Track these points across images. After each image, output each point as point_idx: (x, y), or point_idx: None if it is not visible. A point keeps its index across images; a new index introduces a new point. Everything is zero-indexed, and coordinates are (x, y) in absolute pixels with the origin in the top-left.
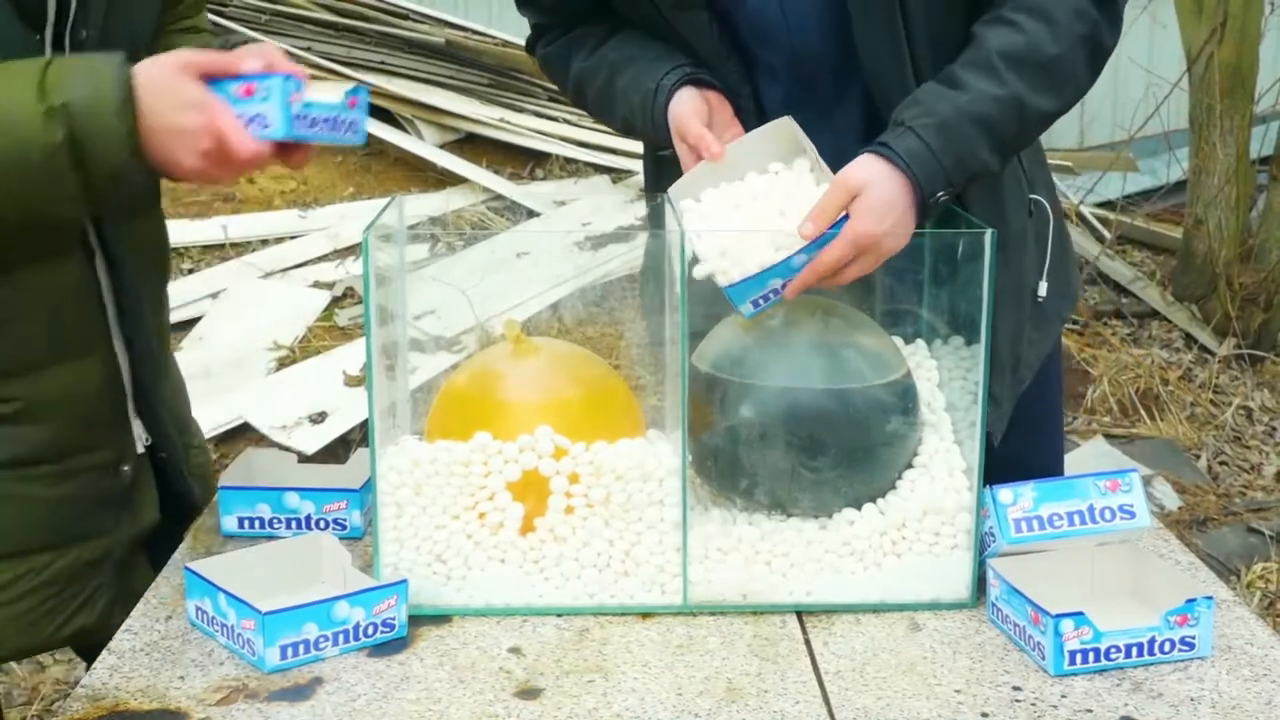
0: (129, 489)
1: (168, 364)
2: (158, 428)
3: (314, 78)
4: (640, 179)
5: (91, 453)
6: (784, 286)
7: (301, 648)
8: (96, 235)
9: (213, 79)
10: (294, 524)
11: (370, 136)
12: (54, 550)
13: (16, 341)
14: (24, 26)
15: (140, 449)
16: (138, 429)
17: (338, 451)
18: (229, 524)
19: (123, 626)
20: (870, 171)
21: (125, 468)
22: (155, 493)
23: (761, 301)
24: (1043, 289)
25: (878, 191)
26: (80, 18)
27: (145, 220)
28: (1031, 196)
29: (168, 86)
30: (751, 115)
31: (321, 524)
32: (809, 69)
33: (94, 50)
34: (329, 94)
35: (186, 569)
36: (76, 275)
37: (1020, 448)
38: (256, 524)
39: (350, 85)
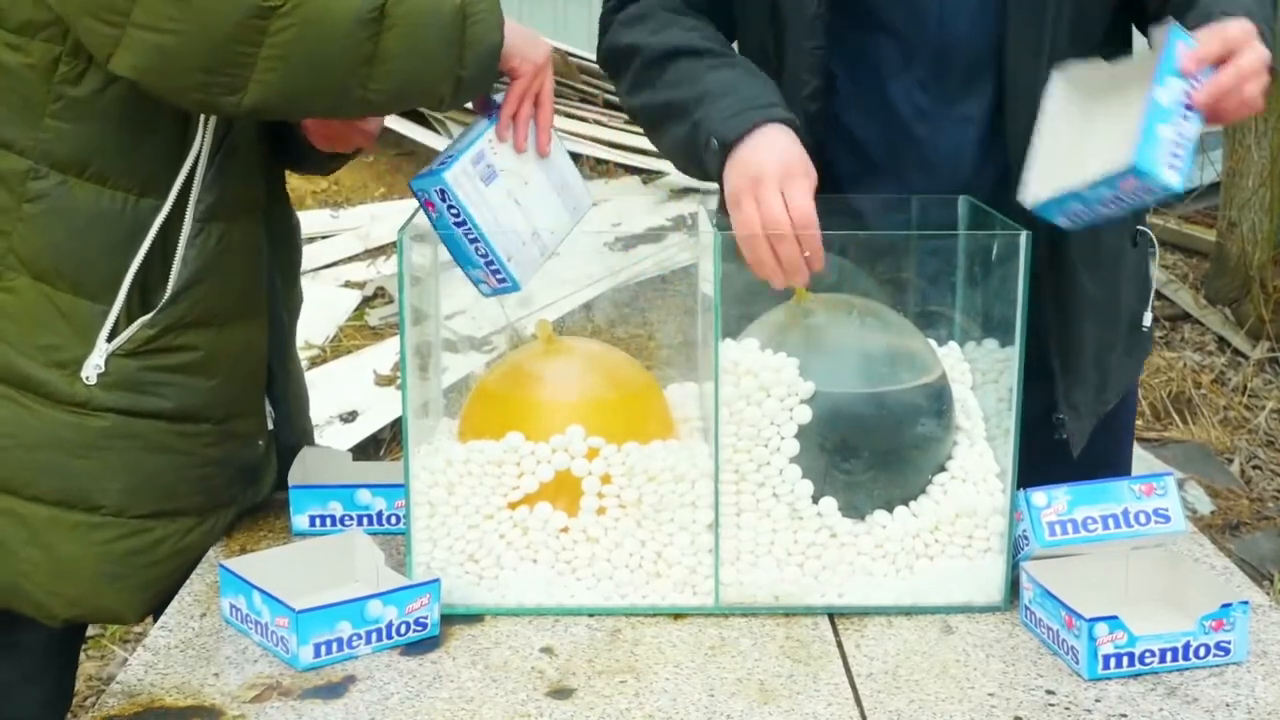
0: (260, 463)
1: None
2: (282, 406)
3: None
4: (671, 180)
5: (244, 419)
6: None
7: (335, 646)
8: (263, 211)
9: None
10: (366, 520)
11: (402, 137)
12: (198, 516)
13: (214, 290)
14: None
15: (270, 425)
16: (267, 405)
17: (368, 450)
18: (300, 522)
19: (158, 624)
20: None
21: (261, 441)
22: (275, 472)
23: (1174, 160)
24: (1147, 319)
25: (1244, 25)
26: None
27: (279, 198)
28: (1139, 227)
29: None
30: (868, 105)
31: (393, 519)
32: (947, 56)
33: None
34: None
35: (221, 566)
36: (258, 233)
37: (1091, 468)
38: (329, 521)
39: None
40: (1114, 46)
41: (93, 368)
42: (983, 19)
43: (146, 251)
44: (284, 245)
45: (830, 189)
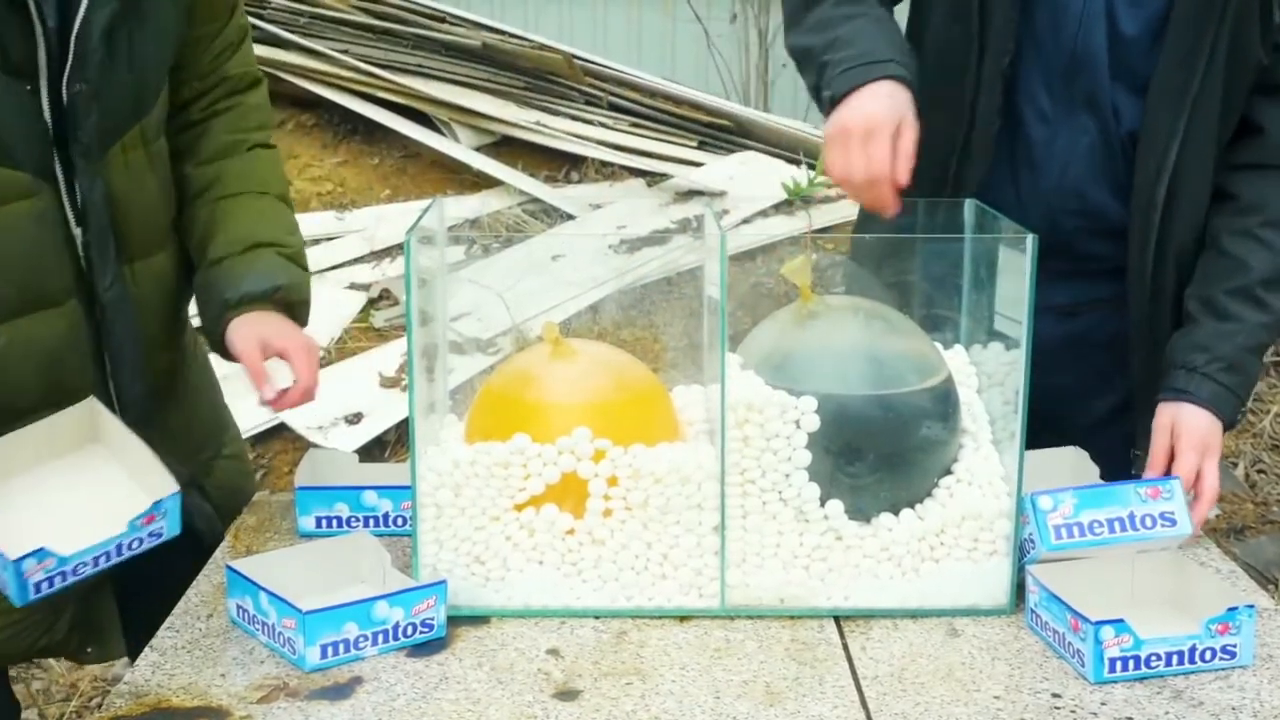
0: None
1: (180, 390)
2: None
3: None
4: (675, 182)
5: None
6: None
7: (341, 647)
8: (78, 288)
9: None
10: (372, 522)
11: (407, 139)
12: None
13: (9, 388)
14: (13, 79)
15: None
16: None
17: (372, 452)
18: (307, 524)
19: (165, 625)
20: (1183, 415)
21: None
22: None
23: None
24: None
25: (1194, 434)
26: (76, 70)
27: (147, 263)
28: None
29: None
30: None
31: (399, 521)
32: (1077, 68)
33: (87, 104)
34: (110, 528)
35: (228, 567)
36: (66, 324)
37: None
38: (335, 523)
39: (153, 500)
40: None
41: None
42: (1117, 40)
43: None
44: (153, 318)
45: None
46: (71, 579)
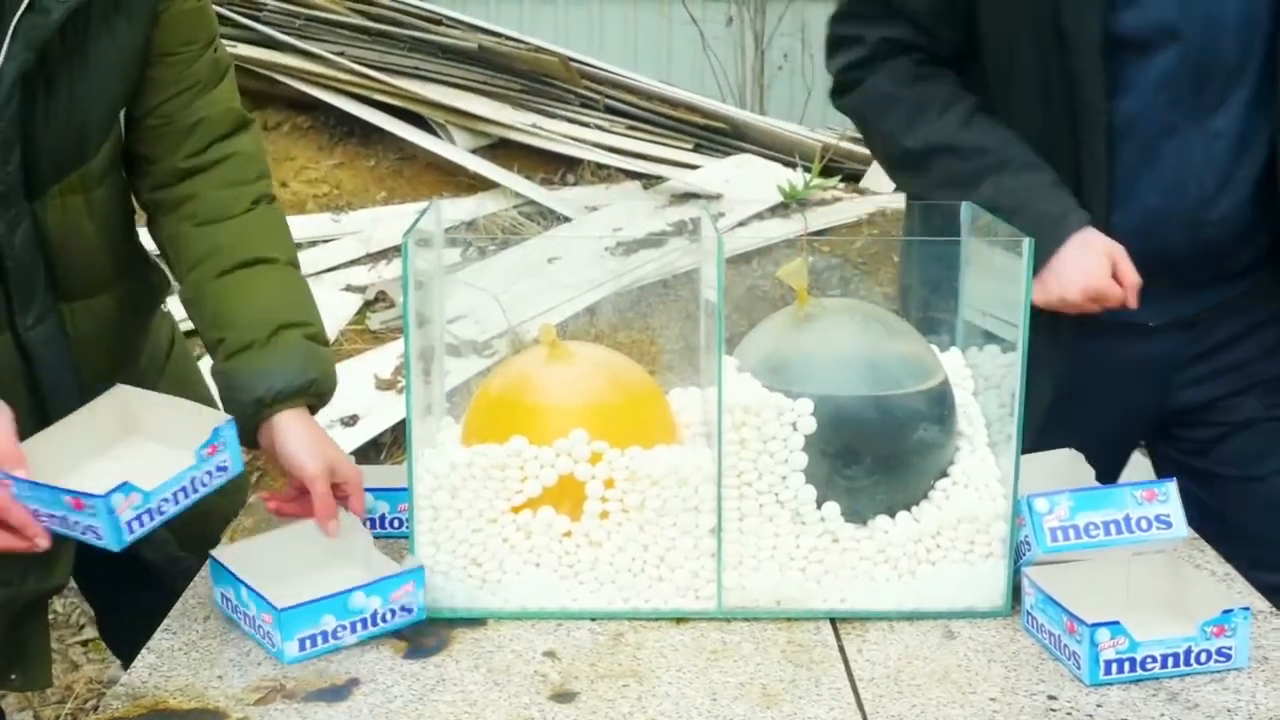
0: (45, 551)
1: None
2: None
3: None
4: (672, 185)
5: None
6: None
7: (320, 639)
8: (7, 322)
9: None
10: (369, 523)
11: (403, 141)
12: None
13: None
14: None
15: None
16: None
17: (368, 454)
18: None
19: (162, 626)
20: None
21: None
22: (71, 557)
23: None
24: None
25: None
26: None
27: (87, 304)
28: None
29: None
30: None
31: (396, 523)
32: (1208, 70)
33: (4, 151)
34: (179, 460)
35: (211, 558)
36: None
37: None
38: None
39: (211, 429)
40: None
41: None
42: (1241, 29)
43: None
44: (101, 355)
45: None
46: (159, 518)
